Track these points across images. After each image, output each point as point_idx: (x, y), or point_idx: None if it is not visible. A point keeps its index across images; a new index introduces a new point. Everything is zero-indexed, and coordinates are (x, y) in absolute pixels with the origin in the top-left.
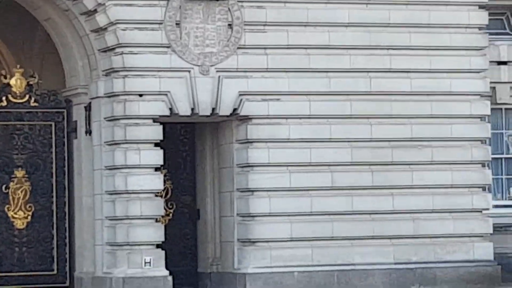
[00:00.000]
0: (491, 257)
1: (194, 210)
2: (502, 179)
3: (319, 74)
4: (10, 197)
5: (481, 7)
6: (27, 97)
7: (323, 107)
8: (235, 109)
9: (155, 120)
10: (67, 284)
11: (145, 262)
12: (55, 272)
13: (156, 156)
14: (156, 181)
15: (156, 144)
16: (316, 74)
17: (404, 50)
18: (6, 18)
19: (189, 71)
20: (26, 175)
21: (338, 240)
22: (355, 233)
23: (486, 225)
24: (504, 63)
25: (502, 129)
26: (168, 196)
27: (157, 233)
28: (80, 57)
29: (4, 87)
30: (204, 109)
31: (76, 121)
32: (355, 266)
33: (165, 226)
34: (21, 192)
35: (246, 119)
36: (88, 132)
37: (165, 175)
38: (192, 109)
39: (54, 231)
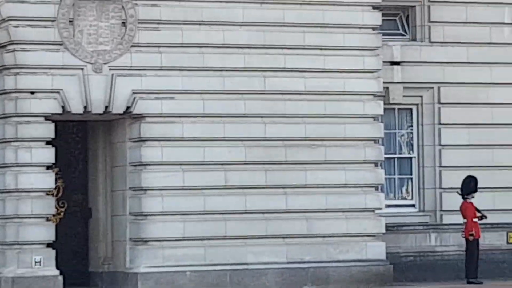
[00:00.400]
0: (383, 257)
1: (86, 209)
2: (395, 178)
3: (213, 73)
4: None
5: (375, 7)
6: None
7: (217, 105)
8: (128, 107)
9: (47, 118)
10: None
11: (35, 262)
12: None
13: (48, 154)
14: (48, 180)
15: (48, 142)
16: (210, 73)
17: (298, 50)
18: None
19: (82, 69)
20: None
21: (231, 240)
22: (249, 233)
23: (378, 225)
24: (397, 63)
25: (395, 129)
26: (60, 194)
27: (48, 232)
28: None
29: None
30: (97, 107)
31: None
32: (248, 266)
33: (56, 225)
34: None
35: (140, 117)
36: None
37: (56, 174)
38: (85, 107)
39: None
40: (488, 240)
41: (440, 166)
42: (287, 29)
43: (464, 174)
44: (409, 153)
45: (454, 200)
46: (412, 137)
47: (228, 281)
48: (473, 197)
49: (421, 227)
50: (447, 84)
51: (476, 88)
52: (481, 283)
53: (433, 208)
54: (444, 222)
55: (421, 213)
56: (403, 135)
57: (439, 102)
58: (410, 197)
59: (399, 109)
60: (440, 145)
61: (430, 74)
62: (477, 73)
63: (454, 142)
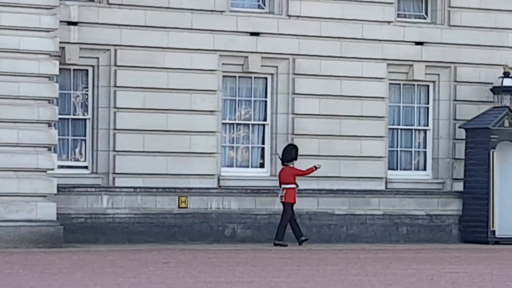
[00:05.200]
0: (54, 218)
1: None
2: (68, 139)
3: None
4: None
5: None
6: None
7: None
8: None
9: None
10: None
11: None
12: None
13: None
14: None
15: None
16: None
17: None
18: None
19: None
20: None
21: None
22: None
23: (50, 185)
24: (75, 23)
25: (70, 90)
26: None
27: None
28: None
29: None
30: None
31: None
32: None
33: None
34: None
35: None
36: None
37: None
38: None
39: None
40: (160, 204)
41: (115, 129)
42: None
43: (138, 137)
44: (83, 115)
45: (126, 163)
46: (87, 99)
47: None
48: (293, 164)
49: (93, 189)
50: (124, 46)
51: (153, 52)
52: (287, 245)
53: (106, 171)
54: (116, 184)
55: (94, 175)
56: (78, 96)
57: (115, 65)
58: (83, 159)
59: (74, 70)
60: (115, 107)
61: (107, 35)
62: (154, 36)
63: (129, 105)
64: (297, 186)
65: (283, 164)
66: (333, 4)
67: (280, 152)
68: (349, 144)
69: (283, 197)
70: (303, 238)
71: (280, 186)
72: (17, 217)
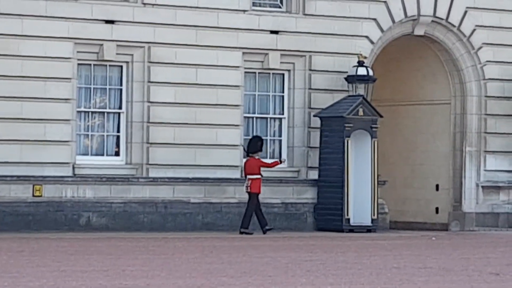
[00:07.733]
0: None
1: None
2: None
3: None
4: None
5: None
6: None
7: None
8: None
9: None
10: None
11: None
12: None
13: None
14: None
15: None
16: None
17: None
18: None
19: None
20: None
21: None
22: None
23: None
24: None
25: None
26: None
27: None
28: None
29: None
30: None
31: None
32: None
33: None
34: None
35: None
36: None
37: None
38: None
39: None
40: (14, 192)
41: None
42: None
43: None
44: None
45: None
46: None
47: None
48: (258, 155)
49: None
50: None
51: (7, 40)
52: (252, 233)
53: None
54: None
55: None
56: None
57: None
58: None
59: None
60: None
61: None
62: (8, 24)
63: None
64: (261, 176)
65: (247, 155)
66: None
67: (245, 143)
68: (204, 132)
69: (249, 187)
70: (267, 227)
71: (246, 176)
72: None
